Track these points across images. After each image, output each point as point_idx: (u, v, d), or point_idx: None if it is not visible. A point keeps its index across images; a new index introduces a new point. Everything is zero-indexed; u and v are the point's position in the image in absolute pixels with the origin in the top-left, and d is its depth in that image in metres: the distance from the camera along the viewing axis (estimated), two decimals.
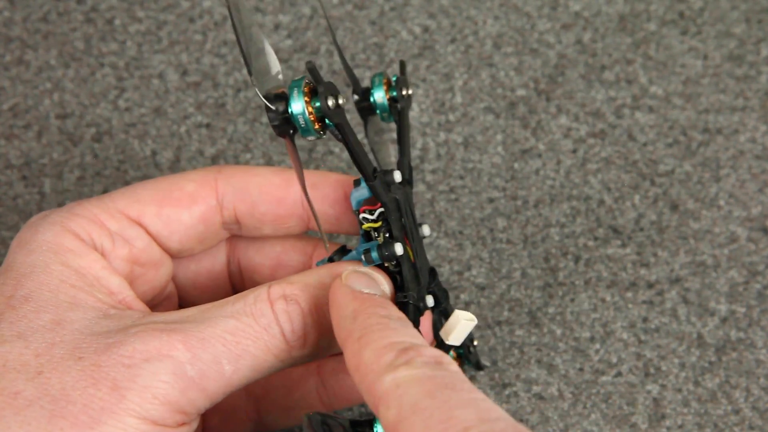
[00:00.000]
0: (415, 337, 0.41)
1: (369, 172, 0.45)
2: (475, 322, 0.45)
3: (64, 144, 0.61)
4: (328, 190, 0.49)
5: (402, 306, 0.45)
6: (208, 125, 0.62)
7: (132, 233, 0.47)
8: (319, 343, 0.43)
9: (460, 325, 0.44)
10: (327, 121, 0.44)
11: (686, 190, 0.61)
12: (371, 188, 0.46)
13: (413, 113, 0.62)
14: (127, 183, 0.60)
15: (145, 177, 0.60)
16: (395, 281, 0.46)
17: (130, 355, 0.41)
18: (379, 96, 0.50)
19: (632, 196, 0.60)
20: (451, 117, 0.62)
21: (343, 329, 0.42)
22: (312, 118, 0.44)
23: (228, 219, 0.49)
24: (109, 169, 0.61)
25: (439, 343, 0.47)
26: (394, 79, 0.50)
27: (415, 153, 0.61)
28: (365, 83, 0.51)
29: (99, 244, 0.46)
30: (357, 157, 0.45)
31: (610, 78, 0.63)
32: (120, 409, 0.40)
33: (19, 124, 0.62)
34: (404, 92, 0.50)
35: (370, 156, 0.48)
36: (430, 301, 0.47)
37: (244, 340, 0.42)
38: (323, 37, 0.64)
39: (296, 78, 0.44)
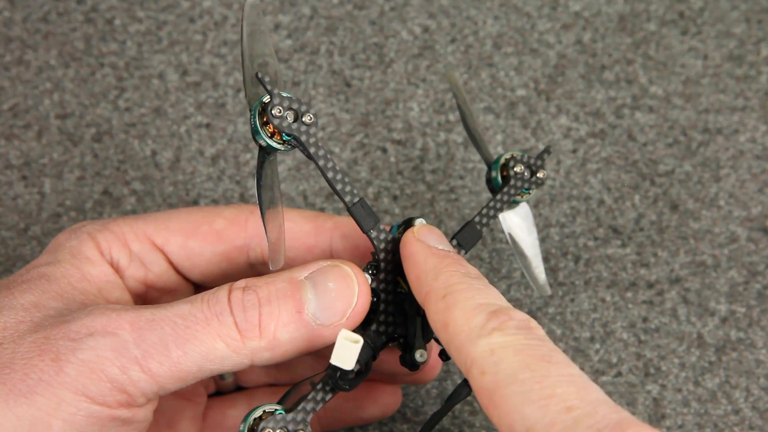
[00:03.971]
0: (499, 298, 0.41)
1: (345, 200, 0.45)
2: (360, 343, 0.41)
3: (64, 144, 0.61)
4: (297, 231, 0.49)
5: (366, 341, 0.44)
6: (208, 125, 0.62)
7: (151, 258, 0.48)
8: (279, 336, 0.43)
9: (339, 342, 0.41)
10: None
11: (686, 190, 0.61)
12: (370, 239, 0.45)
13: (413, 113, 0.62)
14: (127, 183, 0.60)
15: (145, 177, 0.60)
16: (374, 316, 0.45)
17: (77, 330, 0.41)
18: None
19: (632, 196, 0.60)
20: (451, 117, 0.62)
21: (423, 285, 0.42)
22: (270, 131, 0.44)
23: (255, 260, 0.49)
24: (109, 169, 0.61)
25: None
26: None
27: (415, 153, 0.61)
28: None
29: (116, 260, 0.47)
30: (329, 182, 0.45)
31: (610, 78, 0.63)
32: (57, 381, 0.41)
33: (19, 124, 0.61)
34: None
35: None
36: (419, 355, 0.45)
37: (193, 324, 0.42)
38: (323, 37, 0.64)
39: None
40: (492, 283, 0.58)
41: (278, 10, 0.65)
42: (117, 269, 0.48)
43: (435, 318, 0.41)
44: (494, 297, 0.41)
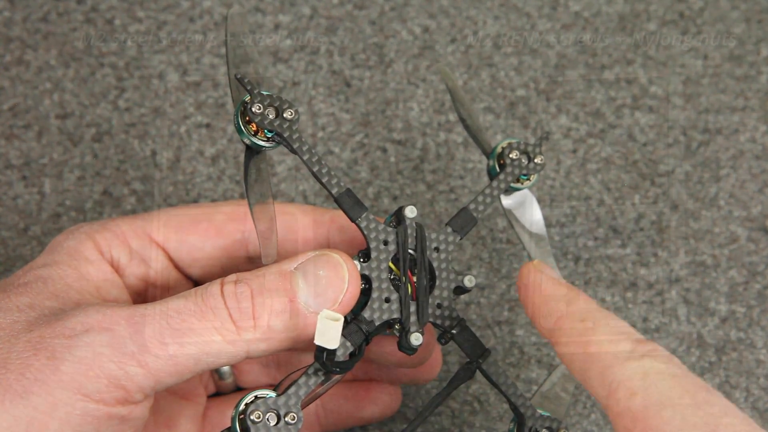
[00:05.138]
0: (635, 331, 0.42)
1: (331, 191, 0.45)
2: (340, 321, 0.41)
3: (64, 144, 0.61)
4: (297, 225, 0.49)
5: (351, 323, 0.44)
6: (208, 125, 0.62)
7: (151, 255, 0.48)
8: (273, 325, 0.43)
9: (320, 322, 0.41)
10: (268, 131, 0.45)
11: (686, 190, 0.61)
12: (359, 228, 0.46)
13: (413, 113, 0.62)
14: (127, 183, 0.60)
15: (145, 177, 0.60)
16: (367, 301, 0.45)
17: (72, 327, 0.41)
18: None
19: (632, 196, 0.60)
20: (451, 117, 0.62)
21: (554, 311, 0.43)
22: (253, 129, 0.45)
23: (254, 254, 0.50)
24: (109, 169, 0.61)
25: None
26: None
27: (415, 153, 0.61)
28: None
29: (116, 258, 0.48)
30: (315, 174, 0.45)
31: (610, 78, 0.64)
32: (53, 380, 0.40)
33: (19, 124, 0.62)
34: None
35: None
36: (414, 338, 0.45)
37: (188, 317, 0.42)
38: (323, 37, 0.64)
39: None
40: (492, 283, 0.58)
41: (278, 10, 0.65)
42: (117, 268, 0.48)
43: (571, 341, 0.41)
44: (631, 328, 0.42)
